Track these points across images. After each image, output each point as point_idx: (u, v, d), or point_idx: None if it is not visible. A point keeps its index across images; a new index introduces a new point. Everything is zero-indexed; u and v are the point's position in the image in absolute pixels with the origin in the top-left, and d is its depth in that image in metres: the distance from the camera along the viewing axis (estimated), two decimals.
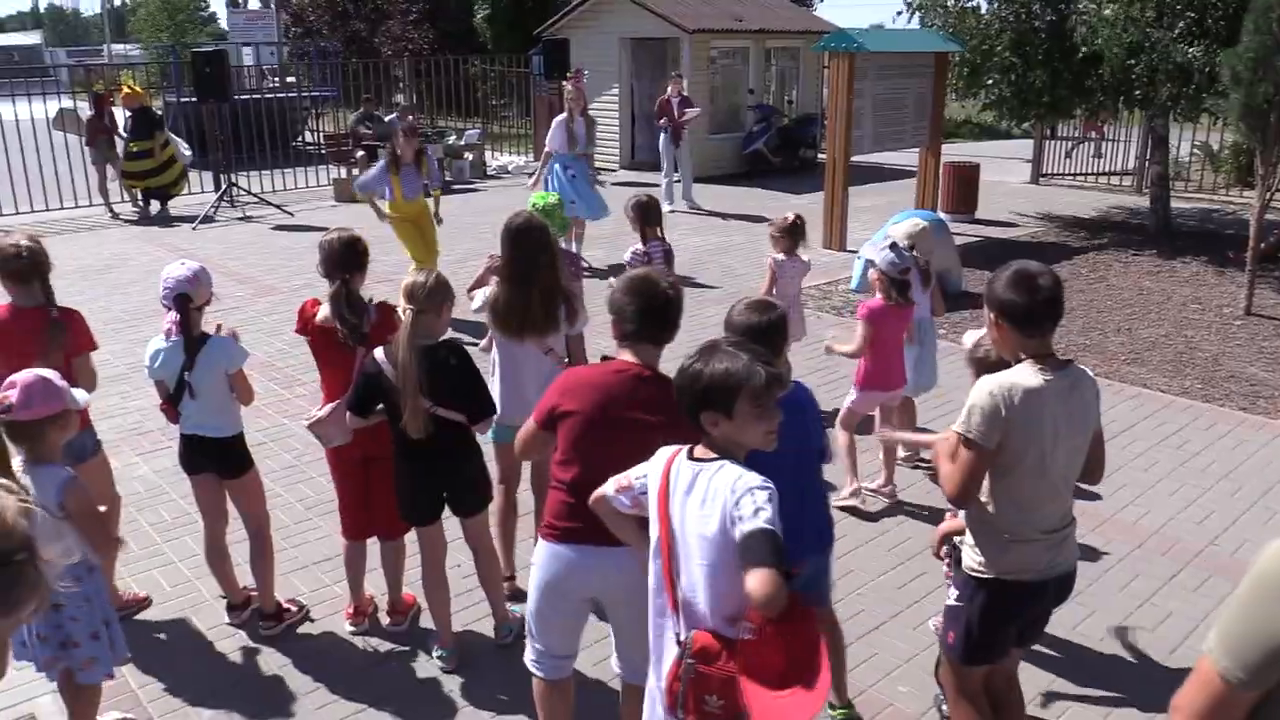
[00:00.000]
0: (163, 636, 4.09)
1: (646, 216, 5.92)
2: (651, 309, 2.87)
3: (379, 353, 3.56)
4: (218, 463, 3.96)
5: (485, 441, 3.91)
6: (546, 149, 10.59)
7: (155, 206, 13.47)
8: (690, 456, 2.41)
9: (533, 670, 3.11)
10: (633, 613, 2.93)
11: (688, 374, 2.39)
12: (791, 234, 5.95)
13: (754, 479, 2.27)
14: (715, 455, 2.37)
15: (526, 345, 4.04)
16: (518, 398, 4.04)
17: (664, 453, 2.50)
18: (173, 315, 3.82)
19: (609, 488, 2.60)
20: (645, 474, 2.53)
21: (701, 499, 2.33)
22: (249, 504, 4.07)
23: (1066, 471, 2.84)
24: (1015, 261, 2.87)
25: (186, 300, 3.77)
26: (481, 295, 4.15)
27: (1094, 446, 2.90)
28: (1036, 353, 2.76)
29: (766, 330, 3.01)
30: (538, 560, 2.96)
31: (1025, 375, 2.73)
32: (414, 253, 8.61)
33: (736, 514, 2.22)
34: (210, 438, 3.90)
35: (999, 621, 2.92)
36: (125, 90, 13.39)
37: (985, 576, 2.87)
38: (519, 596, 4.19)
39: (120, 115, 13.62)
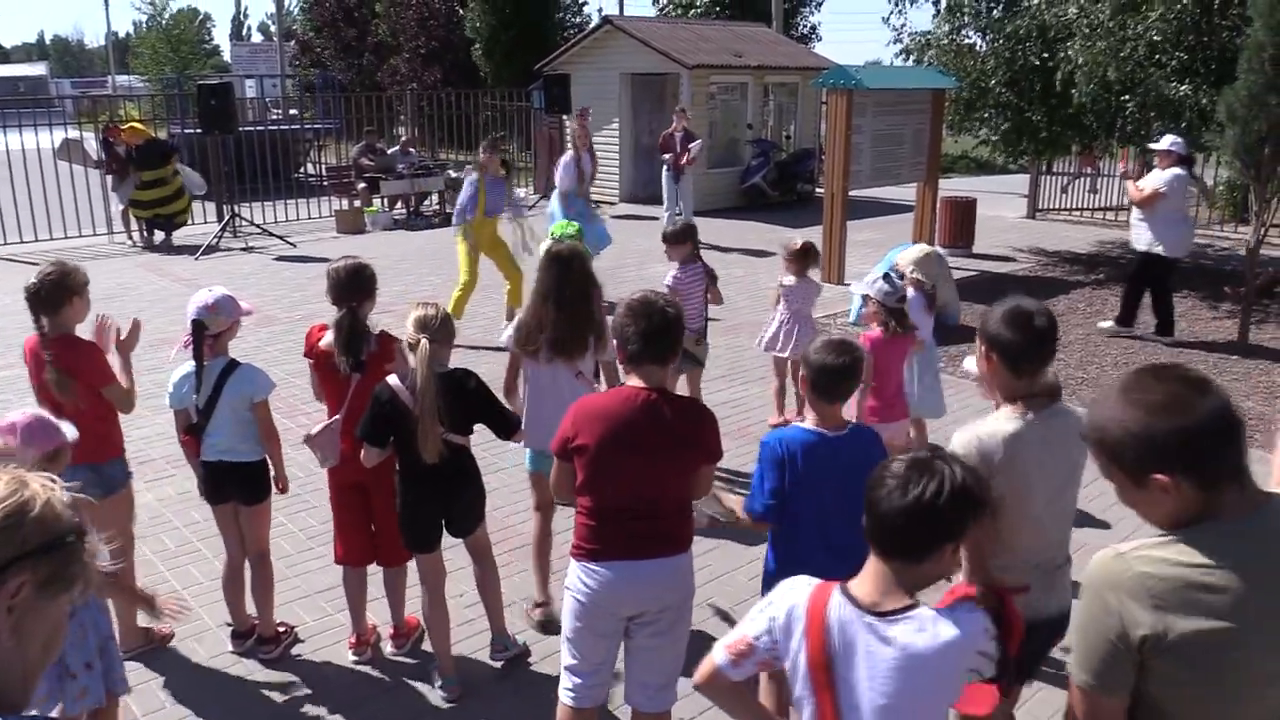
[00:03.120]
0: (167, 666, 4.09)
1: (680, 241, 6.14)
2: (652, 329, 2.92)
3: (392, 379, 3.61)
4: (240, 488, 4.00)
5: (496, 470, 3.94)
6: (559, 188, 10.42)
7: (159, 236, 13.55)
8: (850, 596, 1.91)
9: (565, 699, 3.11)
10: (660, 627, 2.99)
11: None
12: (802, 258, 6.22)
13: (974, 627, 1.87)
14: (895, 602, 1.87)
15: (556, 368, 4.14)
16: (550, 424, 4.11)
17: (799, 594, 1.97)
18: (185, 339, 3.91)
19: (719, 656, 2.04)
20: (766, 630, 1.99)
21: (898, 665, 1.84)
22: (258, 531, 4.10)
23: (1052, 509, 2.80)
24: (1012, 297, 2.87)
25: (201, 327, 3.83)
26: (511, 326, 4.22)
27: None
28: (1024, 392, 2.74)
29: (845, 371, 3.03)
30: (570, 581, 3.02)
31: (1002, 422, 2.74)
32: (466, 274, 8.78)
33: (973, 670, 1.88)
34: (234, 463, 3.94)
35: None
36: (128, 128, 13.48)
37: None
38: (553, 623, 4.21)
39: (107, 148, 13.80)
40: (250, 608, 4.22)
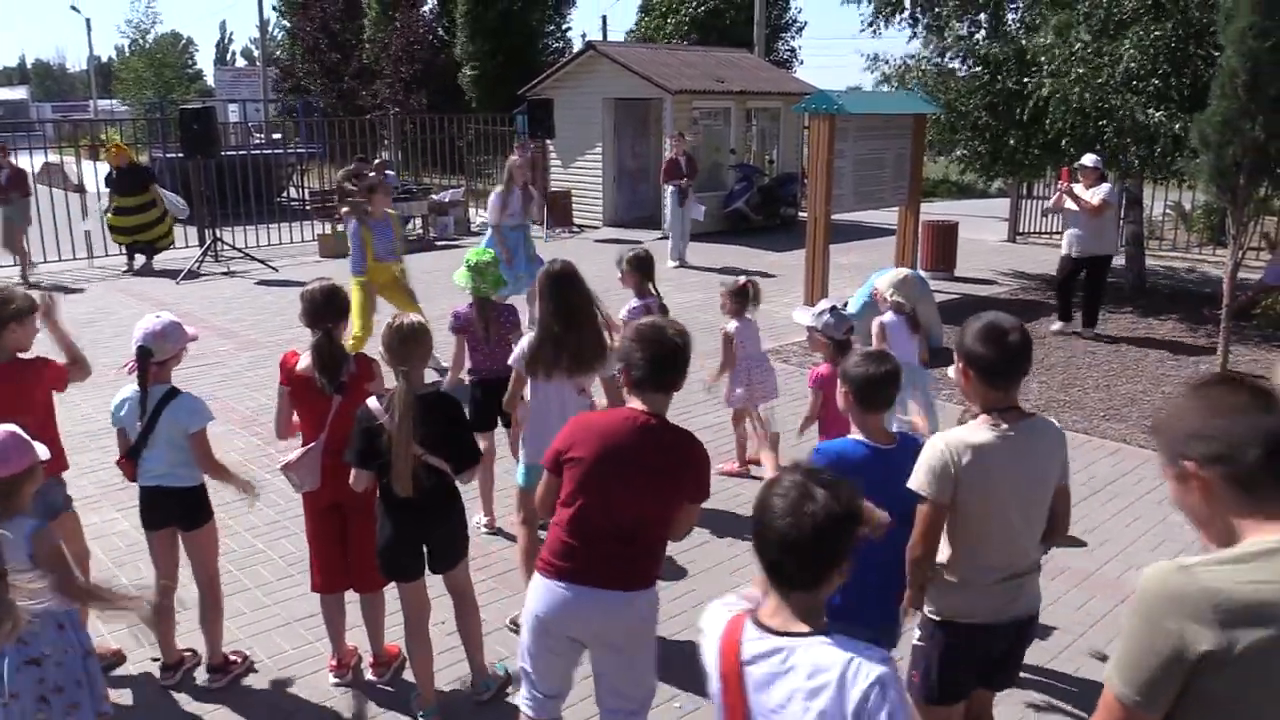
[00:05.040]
0: (139, 696, 4.03)
1: (645, 271, 6.02)
2: (660, 356, 2.92)
3: (372, 402, 3.57)
4: (179, 515, 3.95)
5: (474, 495, 3.91)
6: (489, 221, 9.78)
7: (140, 260, 13.45)
8: (761, 625, 1.93)
9: (523, 709, 3.10)
10: (620, 658, 2.97)
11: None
12: (741, 298, 6.03)
13: (875, 667, 1.83)
14: (803, 627, 1.89)
15: (561, 385, 4.18)
16: (552, 440, 4.12)
17: (716, 620, 2.01)
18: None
19: None
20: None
21: (808, 690, 1.84)
22: (204, 556, 4.05)
23: (1021, 521, 2.89)
24: (988, 313, 2.94)
25: (146, 353, 3.79)
26: (521, 347, 4.25)
27: (1057, 501, 2.95)
28: (999, 404, 2.84)
29: (887, 379, 3.15)
30: (531, 595, 3.00)
31: (974, 432, 2.83)
32: (360, 328, 7.81)
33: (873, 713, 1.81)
34: (172, 488, 3.89)
35: (954, 663, 2.99)
36: (112, 148, 13.39)
37: (939, 619, 2.98)
38: None
39: (92, 170, 13.60)
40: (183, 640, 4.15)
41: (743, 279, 6.12)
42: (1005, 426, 2.80)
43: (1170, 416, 1.82)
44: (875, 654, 1.87)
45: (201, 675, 4.13)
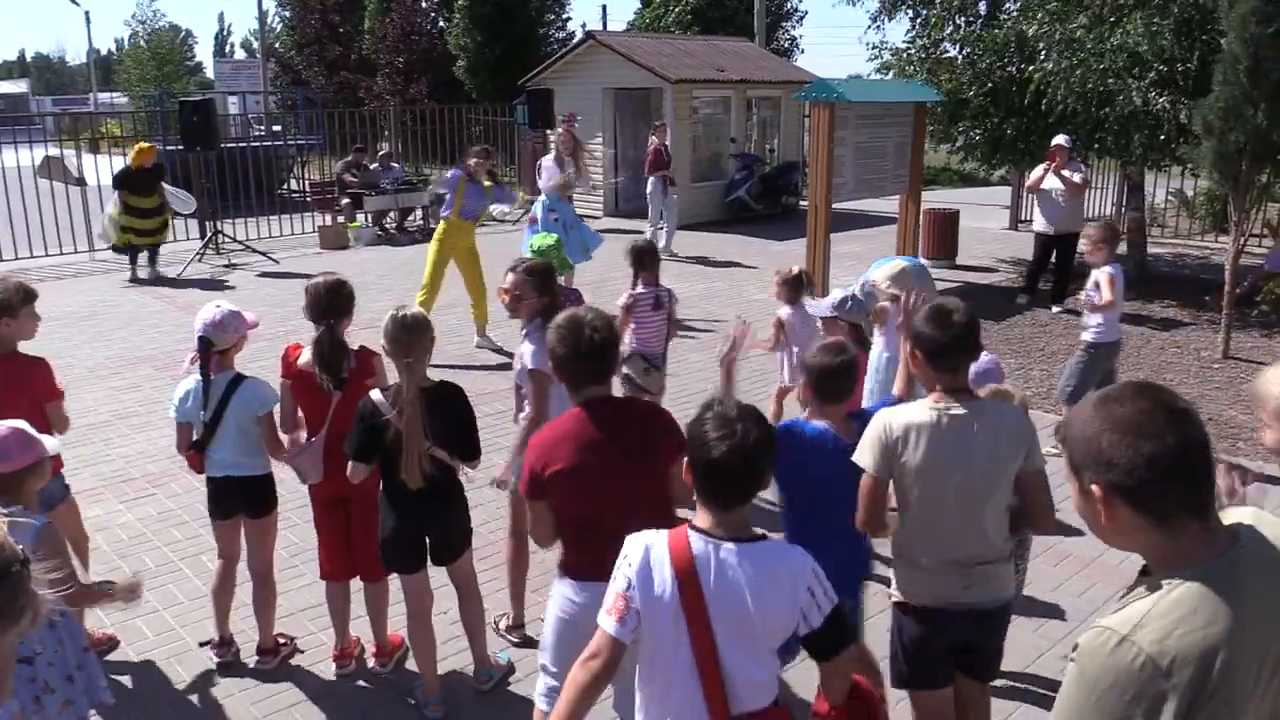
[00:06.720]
0: (145, 684, 4.05)
1: (641, 261, 6.00)
2: (578, 352, 2.91)
3: (375, 394, 3.57)
4: (248, 503, 4.01)
5: (480, 486, 3.92)
6: (544, 188, 10.52)
7: (145, 269, 12.88)
8: (704, 533, 2.23)
9: (541, 704, 3.07)
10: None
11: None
12: (795, 286, 6.06)
13: (811, 561, 2.25)
14: (744, 531, 2.24)
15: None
16: None
17: (651, 541, 2.26)
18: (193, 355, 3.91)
19: (607, 623, 2.28)
20: (627, 580, 2.26)
21: (762, 582, 2.18)
22: (263, 544, 4.11)
23: (961, 505, 2.87)
24: (938, 297, 3.05)
25: (207, 344, 3.84)
26: (532, 349, 4.02)
27: (1031, 491, 2.92)
28: (948, 386, 2.89)
29: (843, 370, 3.22)
30: (555, 596, 2.99)
31: (915, 411, 2.88)
32: (428, 278, 8.75)
33: (811, 605, 2.21)
34: (242, 476, 3.95)
35: (915, 646, 3.02)
36: (140, 147, 12.66)
37: (900, 602, 3.04)
38: (529, 644, 4.23)
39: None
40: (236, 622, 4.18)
41: (795, 267, 6.17)
42: (950, 407, 2.85)
43: (1076, 431, 1.67)
44: (806, 555, 2.25)
45: (252, 658, 4.19)
